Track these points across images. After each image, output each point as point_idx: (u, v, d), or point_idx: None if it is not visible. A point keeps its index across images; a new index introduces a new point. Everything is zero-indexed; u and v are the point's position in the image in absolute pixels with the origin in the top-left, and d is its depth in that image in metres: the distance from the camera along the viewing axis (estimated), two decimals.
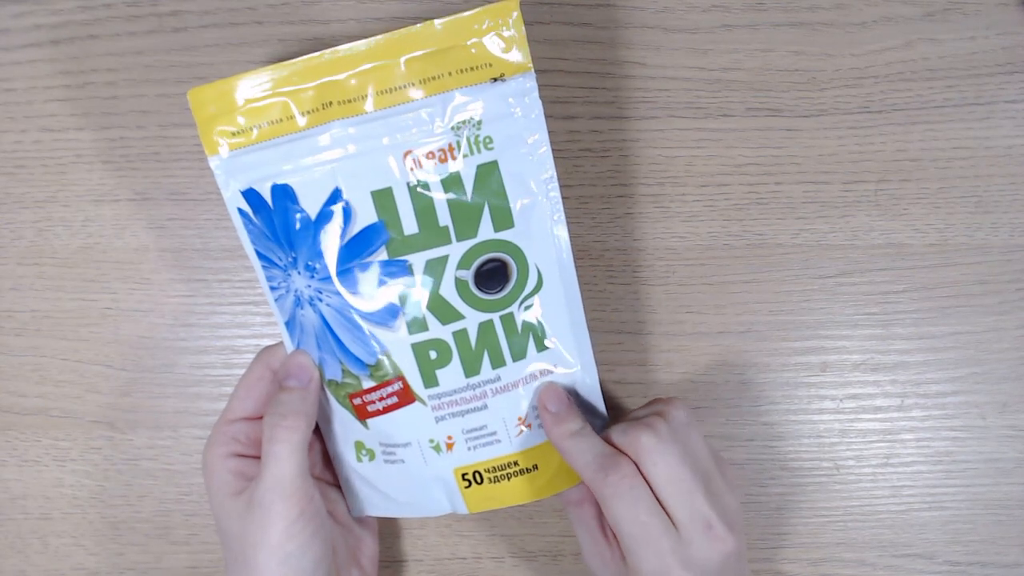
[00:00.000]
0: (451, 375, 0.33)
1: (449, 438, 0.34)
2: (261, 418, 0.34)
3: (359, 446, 0.35)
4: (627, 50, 0.39)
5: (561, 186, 0.33)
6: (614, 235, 0.40)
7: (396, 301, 0.32)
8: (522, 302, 0.34)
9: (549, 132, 0.32)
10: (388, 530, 0.42)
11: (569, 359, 0.35)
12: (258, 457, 0.33)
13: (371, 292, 0.32)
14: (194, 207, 0.40)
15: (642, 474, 0.31)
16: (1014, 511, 0.43)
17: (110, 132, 0.39)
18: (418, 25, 0.30)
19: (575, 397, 0.36)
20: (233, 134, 0.31)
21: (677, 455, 0.31)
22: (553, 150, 0.33)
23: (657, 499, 0.31)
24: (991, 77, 0.40)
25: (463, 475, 0.35)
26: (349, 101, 0.31)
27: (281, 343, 0.35)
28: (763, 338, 0.42)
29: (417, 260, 0.32)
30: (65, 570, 0.42)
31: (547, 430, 0.34)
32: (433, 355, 0.33)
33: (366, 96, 0.31)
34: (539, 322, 0.34)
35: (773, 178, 0.40)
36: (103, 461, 0.42)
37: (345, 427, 0.35)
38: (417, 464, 0.35)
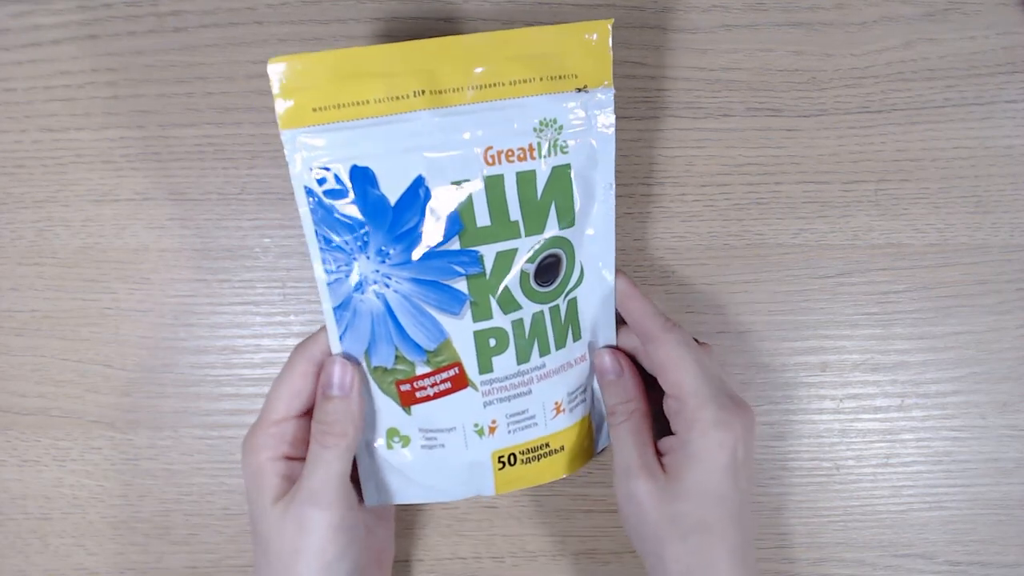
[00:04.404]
0: (505, 362, 0.34)
1: (493, 422, 0.35)
2: (307, 415, 0.34)
3: (392, 432, 0.35)
4: (627, 50, 0.39)
5: None
6: None
7: (464, 289, 0.33)
8: (566, 295, 0.35)
9: None
10: None
11: (599, 349, 0.38)
12: (304, 459, 0.33)
13: (441, 279, 0.33)
14: (194, 207, 0.40)
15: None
16: (1014, 511, 0.43)
17: (110, 132, 0.39)
18: (517, 29, 0.31)
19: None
20: (314, 110, 0.30)
21: (699, 357, 0.34)
22: None
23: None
24: (991, 77, 0.40)
25: (499, 457, 0.36)
26: (440, 92, 0.31)
27: (314, 336, 0.34)
28: (763, 338, 0.42)
29: (488, 251, 0.33)
30: (65, 570, 0.42)
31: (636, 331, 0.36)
32: (492, 342, 0.34)
33: (458, 89, 0.31)
34: (577, 315, 0.36)
35: (773, 178, 0.40)
36: (103, 461, 0.42)
37: (379, 415, 0.35)
38: (457, 448, 0.35)
